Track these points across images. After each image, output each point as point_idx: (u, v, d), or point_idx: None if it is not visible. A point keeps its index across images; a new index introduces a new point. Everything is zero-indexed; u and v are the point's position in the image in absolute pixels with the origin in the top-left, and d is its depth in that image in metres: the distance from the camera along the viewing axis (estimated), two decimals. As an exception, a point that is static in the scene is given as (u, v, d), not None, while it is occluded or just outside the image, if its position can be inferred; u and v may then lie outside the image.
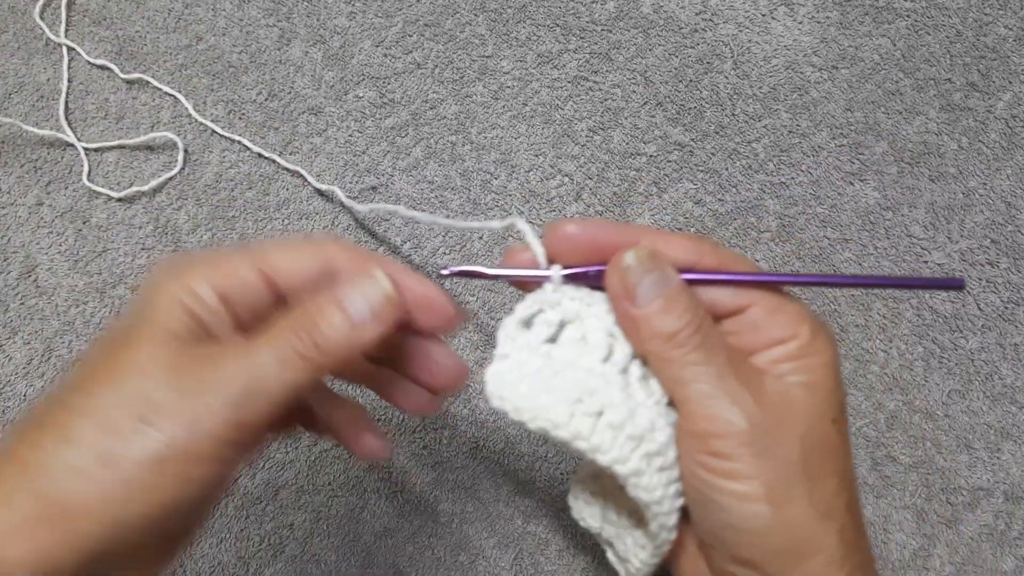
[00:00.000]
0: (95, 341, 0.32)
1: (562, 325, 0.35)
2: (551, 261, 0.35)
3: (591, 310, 0.34)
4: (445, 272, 0.34)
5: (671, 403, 0.34)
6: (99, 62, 0.59)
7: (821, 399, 0.33)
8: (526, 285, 0.36)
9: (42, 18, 0.59)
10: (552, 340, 0.35)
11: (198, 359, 0.30)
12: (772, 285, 0.34)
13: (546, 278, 0.35)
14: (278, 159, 0.56)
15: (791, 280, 0.35)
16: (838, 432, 0.33)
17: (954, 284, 0.35)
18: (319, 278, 0.33)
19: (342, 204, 0.56)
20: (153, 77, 0.58)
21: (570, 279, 0.35)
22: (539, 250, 0.35)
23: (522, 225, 0.35)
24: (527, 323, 0.35)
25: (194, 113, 0.58)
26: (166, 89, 0.58)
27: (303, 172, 0.56)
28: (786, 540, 0.31)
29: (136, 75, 0.58)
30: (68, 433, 0.29)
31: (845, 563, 0.32)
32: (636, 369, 0.34)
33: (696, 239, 0.34)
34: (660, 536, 0.34)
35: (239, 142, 0.57)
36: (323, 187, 0.55)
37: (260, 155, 0.57)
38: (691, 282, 0.34)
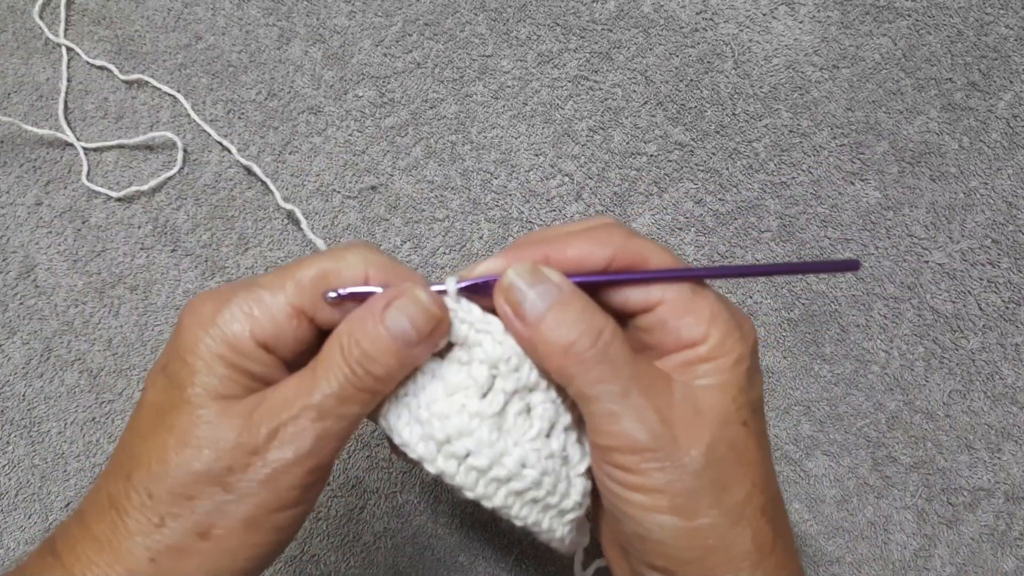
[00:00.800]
0: (142, 407, 0.31)
1: (450, 345, 0.34)
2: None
3: (479, 338, 0.33)
4: (333, 296, 0.32)
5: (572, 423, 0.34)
6: (98, 62, 0.59)
7: (729, 401, 0.32)
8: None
9: (41, 18, 0.59)
10: (440, 356, 0.34)
11: (259, 412, 0.30)
12: (675, 280, 0.33)
13: (441, 293, 0.33)
14: (255, 168, 0.56)
15: (687, 275, 0.33)
16: (750, 434, 0.32)
17: (850, 266, 0.34)
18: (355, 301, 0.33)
19: (300, 227, 0.56)
20: (152, 77, 0.58)
21: (473, 293, 0.33)
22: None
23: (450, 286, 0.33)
24: None
25: (192, 113, 0.57)
26: (165, 89, 0.58)
27: (272, 186, 0.55)
28: (695, 549, 0.31)
29: (135, 75, 0.58)
30: (157, 518, 0.29)
31: (758, 568, 0.31)
32: (516, 404, 0.33)
33: (605, 233, 0.33)
34: (560, 531, 0.35)
35: (225, 147, 0.56)
36: (287, 207, 0.55)
37: (240, 164, 0.57)
38: (593, 284, 0.33)
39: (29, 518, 0.52)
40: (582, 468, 0.34)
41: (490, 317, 0.33)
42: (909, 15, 0.59)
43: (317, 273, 0.32)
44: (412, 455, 0.33)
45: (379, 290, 0.32)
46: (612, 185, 0.57)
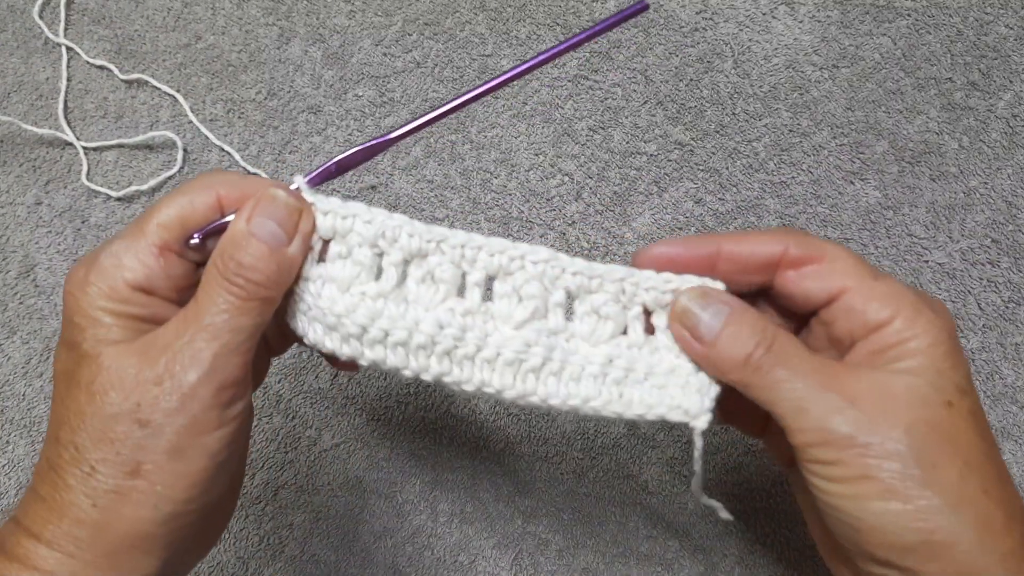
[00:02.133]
0: (54, 378, 0.33)
1: (325, 245, 0.34)
2: None
3: (347, 224, 0.33)
4: (194, 241, 0.33)
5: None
6: (98, 62, 0.59)
7: (926, 383, 0.31)
8: None
9: (41, 17, 0.59)
10: (322, 261, 0.34)
11: (157, 349, 0.31)
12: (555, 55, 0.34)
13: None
14: (261, 174, 0.56)
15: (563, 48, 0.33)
16: (956, 414, 0.31)
17: (639, 8, 0.34)
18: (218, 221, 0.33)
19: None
20: (152, 76, 0.58)
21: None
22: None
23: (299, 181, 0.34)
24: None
25: (191, 116, 0.57)
26: (165, 89, 0.58)
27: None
28: (914, 535, 0.30)
29: (135, 75, 0.58)
30: (88, 468, 0.30)
31: (990, 551, 0.30)
32: (415, 273, 0.33)
33: (784, 229, 0.34)
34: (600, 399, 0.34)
35: (228, 153, 0.56)
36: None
37: (246, 170, 0.57)
38: (758, 292, 0.35)
39: (29, 518, 0.52)
40: (516, 321, 0.34)
41: (352, 203, 0.33)
42: (909, 15, 0.59)
43: (173, 211, 0.33)
44: (342, 357, 0.34)
45: (225, 220, 0.33)
46: (612, 184, 0.57)
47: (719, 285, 0.35)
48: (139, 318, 0.32)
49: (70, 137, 0.57)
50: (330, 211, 0.33)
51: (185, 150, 0.57)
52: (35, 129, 0.57)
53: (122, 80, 0.58)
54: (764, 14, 0.59)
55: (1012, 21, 0.59)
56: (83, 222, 0.56)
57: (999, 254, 0.55)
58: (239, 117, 0.58)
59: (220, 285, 0.31)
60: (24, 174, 0.57)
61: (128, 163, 0.57)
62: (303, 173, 0.34)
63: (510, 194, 0.56)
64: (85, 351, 0.31)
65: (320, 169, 0.34)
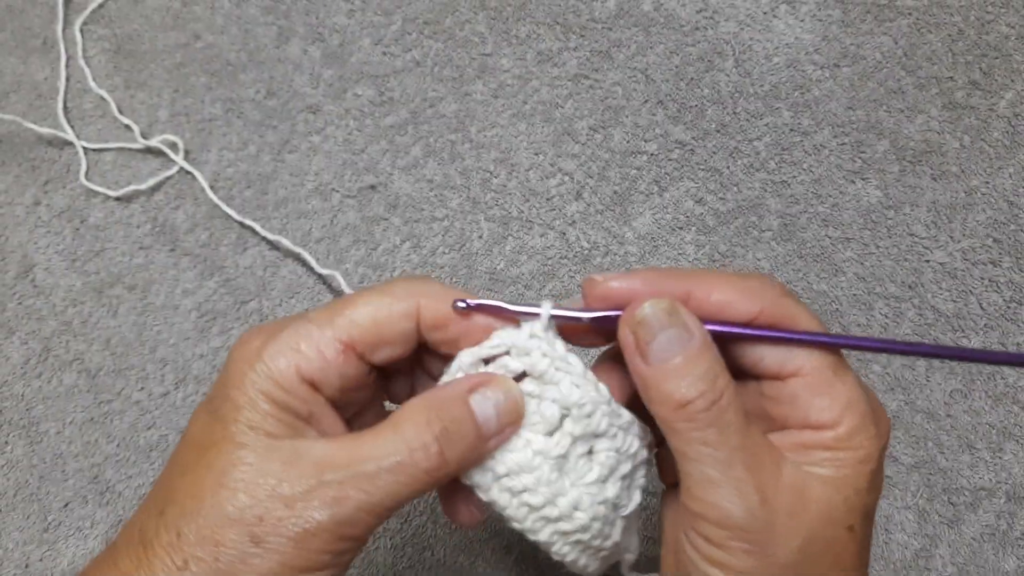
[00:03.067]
0: (184, 443, 0.31)
1: (522, 376, 0.33)
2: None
3: (557, 376, 0.32)
4: (462, 305, 0.31)
5: (636, 470, 0.33)
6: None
7: (841, 500, 0.29)
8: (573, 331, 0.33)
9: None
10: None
11: (307, 466, 0.29)
12: (823, 347, 0.30)
13: (532, 316, 0.32)
14: (284, 241, 0.55)
15: (847, 343, 0.30)
16: (852, 539, 0.30)
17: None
18: (407, 335, 0.32)
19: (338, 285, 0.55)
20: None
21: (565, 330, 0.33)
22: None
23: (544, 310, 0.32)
24: (487, 362, 0.33)
25: (210, 193, 0.57)
26: (182, 164, 0.58)
27: (308, 258, 0.54)
28: None
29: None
30: (180, 561, 0.28)
31: None
32: (579, 447, 0.32)
33: (759, 285, 0.31)
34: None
35: (250, 227, 0.55)
36: (325, 272, 0.54)
37: (266, 240, 0.56)
38: (725, 335, 0.30)
39: (27, 518, 0.51)
40: (627, 511, 0.33)
41: (572, 357, 0.32)
42: (910, 14, 0.59)
43: (369, 311, 0.31)
44: (466, 480, 0.32)
45: (507, 306, 0.32)
46: (612, 184, 0.56)
47: None
48: (296, 414, 0.30)
49: (70, 136, 0.57)
50: (549, 356, 0.32)
51: (185, 150, 0.57)
52: (36, 128, 0.56)
53: (121, 79, 0.58)
54: (765, 13, 0.59)
55: (1013, 20, 0.59)
56: (82, 222, 0.56)
57: (1000, 254, 0.55)
58: (238, 116, 0.58)
59: (411, 439, 0.29)
60: (23, 174, 0.57)
61: (127, 163, 0.57)
62: (550, 301, 0.32)
63: (510, 194, 0.56)
64: (231, 433, 0.29)
65: (576, 314, 0.32)
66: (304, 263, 0.55)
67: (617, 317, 0.31)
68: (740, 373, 0.31)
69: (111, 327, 0.54)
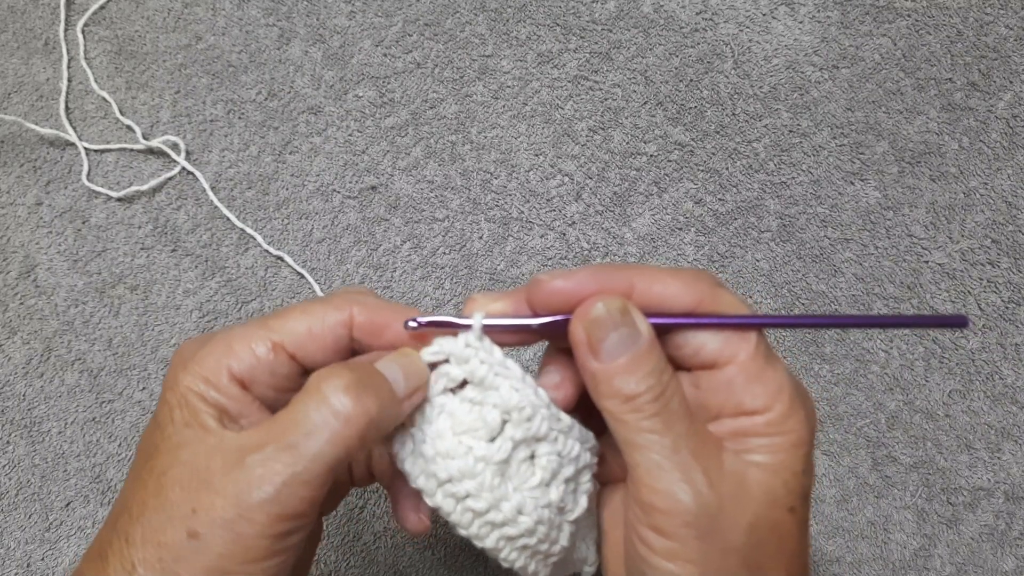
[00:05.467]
0: (136, 453, 0.32)
1: (463, 384, 0.34)
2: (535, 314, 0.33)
3: (496, 382, 0.32)
4: (413, 325, 0.33)
5: (577, 477, 0.34)
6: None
7: (780, 484, 0.30)
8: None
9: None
10: (452, 391, 0.34)
11: (232, 452, 0.29)
12: (757, 329, 0.31)
13: (467, 327, 0.33)
14: (288, 259, 0.56)
15: (779, 322, 0.32)
16: (794, 521, 0.31)
17: (957, 322, 0.32)
18: (340, 342, 0.33)
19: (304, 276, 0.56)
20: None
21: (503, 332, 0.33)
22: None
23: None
24: (431, 367, 0.34)
25: (211, 195, 0.57)
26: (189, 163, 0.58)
27: (308, 278, 0.55)
28: None
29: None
30: (129, 565, 0.28)
31: None
32: (521, 451, 0.33)
33: (694, 277, 0.32)
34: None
35: (252, 236, 0.56)
36: (276, 252, 0.55)
37: (268, 253, 0.57)
38: (667, 326, 0.32)
39: (29, 518, 0.52)
40: (573, 516, 0.34)
41: (510, 362, 0.33)
42: (909, 15, 0.59)
43: (303, 320, 0.32)
44: (412, 484, 0.33)
45: (456, 320, 0.33)
46: (612, 185, 0.57)
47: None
48: (226, 412, 0.30)
49: (72, 137, 0.57)
50: (487, 363, 0.33)
51: (186, 151, 0.57)
52: (38, 129, 0.57)
53: (123, 81, 0.58)
54: (764, 15, 0.59)
55: (1012, 21, 0.59)
56: (83, 223, 0.56)
57: (999, 254, 0.55)
58: (239, 117, 0.58)
59: (329, 403, 0.29)
60: (24, 175, 0.57)
61: (128, 164, 0.57)
62: (482, 312, 0.33)
63: (510, 194, 0.56)
64: (168, 434, 0.30)
65: (509, 322, 0.33)
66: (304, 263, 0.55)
67: (565, 321, 0.32)
68: (676, 366, 0.32)
69: (113, 327, 0.54)
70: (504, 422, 0.32)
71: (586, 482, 0.34)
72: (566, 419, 0.33)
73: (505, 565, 0.33)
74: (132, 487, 0.30)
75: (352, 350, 0.34)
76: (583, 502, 0.34)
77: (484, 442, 0.32)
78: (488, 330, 0.33)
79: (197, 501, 0.28)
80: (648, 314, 0.31)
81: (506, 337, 0.33)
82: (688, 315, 0.31)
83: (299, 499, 0.28)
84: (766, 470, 0.30)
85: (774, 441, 0.30)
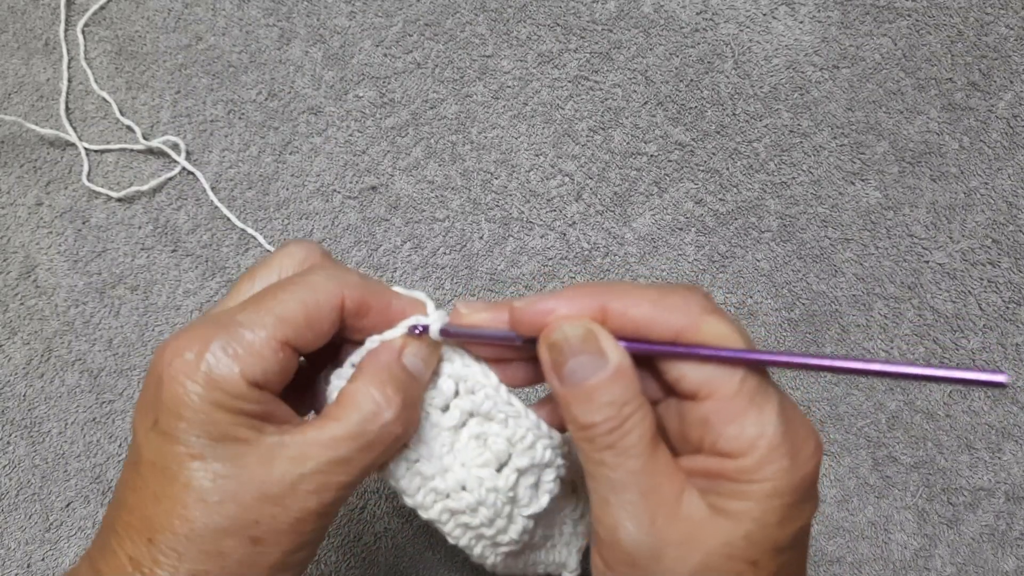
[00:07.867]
0: (143, 466, 0.30)
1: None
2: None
3: (453, 355, 0.34)
4: (419, 331, 0.33)
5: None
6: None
7: (741, 535, 0.28)
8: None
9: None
10: None
11: (280, 459, 0.30)
12: (747, 367, 0.28)
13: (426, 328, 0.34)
14: (260, 238, 0.56)
15: (767, 359, 0.28)
16: (756, 574, 0.28)
17: (994, 383, 0.26)
18: (334, 326, 0.32)
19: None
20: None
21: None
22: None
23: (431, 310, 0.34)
24: None
25: (211, 195, 0.57)
26: (184, 164, 0.58)
27: (259, 238, 0.55)
28: None
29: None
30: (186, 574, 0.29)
31: None
32: (472, 427, 0.34)
33: (683, 300, 0.30)
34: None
35: (252, 236, 0.56)
36: (251, 231, 0.55)
37: (269, 253, 0.57)
38: (637, 352, 0.30)
39: (30, 518, 0.52)
40: (529, 511, 0.34)
41: (462, 350, 0.34)
42: (909, 15, 0.59)
43: (297, 307, 0.31)
44: None
45: (437, 319, 0.33)
46: (612, 185, 0.57)
47: None
48: (252, 415, 0.30)
49: (72, 137, 0.57)
50: (455, 358, 0.34)
51: (186, 151, 0.57)
52: (39, 129, 0.57)
53: (123, 80, 0.58)
54: (764, 15, 0.59)
55: (1012, 21, 0.59)
56: (84, 223, 0.56)
57: (1000, 254, 0.55)
58: (239, 118, 0.58)
59: (373, 412, 0.30)
60: (25, 175, 0.57)
61: (129, 164, 0.57)
62: (443, 320, 0.33)
63: (510, 195, 0.56)
64: (193, 450, 0.29)
65: (464, 332, 0.33)
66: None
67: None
68: (669, 390, 0.31)
69: (113, 327, 0.54)
70: (455, 394, 0.34)
71: (548, 481, 0.34)
72: (518, 405, 0.34)
73: (451, 542, 0.34)
74: (159, 504, 0.29)
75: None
76: (543, 501, 0.34)
77: (437, 410, 0.34)
78: (475, 347, 0.34)
79: (258, 513, 0.29)
80: (624, 338, 0.30)
81: (487, 351, 0.34)
82: (669, 342, 0.29)
83: (344, 499, 0.31)
84: (728, 517, 0.28)
85: (743, 488, 0.28)
